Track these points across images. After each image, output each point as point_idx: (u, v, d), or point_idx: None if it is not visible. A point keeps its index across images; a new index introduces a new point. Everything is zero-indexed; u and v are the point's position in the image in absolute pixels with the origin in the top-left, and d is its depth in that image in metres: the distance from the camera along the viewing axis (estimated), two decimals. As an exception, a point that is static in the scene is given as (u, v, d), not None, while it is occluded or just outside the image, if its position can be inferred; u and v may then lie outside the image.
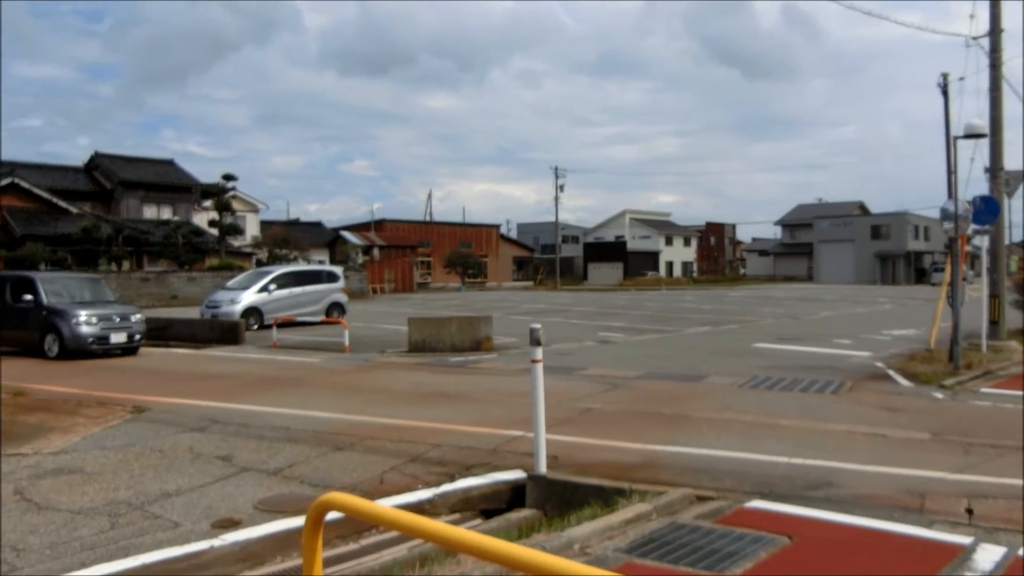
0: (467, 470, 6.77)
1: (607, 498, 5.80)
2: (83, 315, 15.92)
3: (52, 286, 16.75)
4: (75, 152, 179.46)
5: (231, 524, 5.51)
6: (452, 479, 6.51)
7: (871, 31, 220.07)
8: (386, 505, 4.07)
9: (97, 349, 16.00)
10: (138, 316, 17.05)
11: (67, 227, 39.51)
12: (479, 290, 58.96)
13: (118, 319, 16.48)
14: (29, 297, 16.37)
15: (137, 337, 16.68)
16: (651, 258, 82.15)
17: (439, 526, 2.26)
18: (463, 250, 65.36)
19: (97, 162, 48.88)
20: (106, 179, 47.81)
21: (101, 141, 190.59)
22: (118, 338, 16.32)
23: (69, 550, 5.02)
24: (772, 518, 5.32)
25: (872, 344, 17.27)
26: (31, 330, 16.32)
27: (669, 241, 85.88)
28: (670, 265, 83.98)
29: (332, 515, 2.64)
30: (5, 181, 39.95)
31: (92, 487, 6.47)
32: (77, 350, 15.78)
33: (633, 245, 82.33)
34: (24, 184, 40.69)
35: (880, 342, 17.77)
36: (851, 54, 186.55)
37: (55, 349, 15.87)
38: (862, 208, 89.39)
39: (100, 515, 5.72)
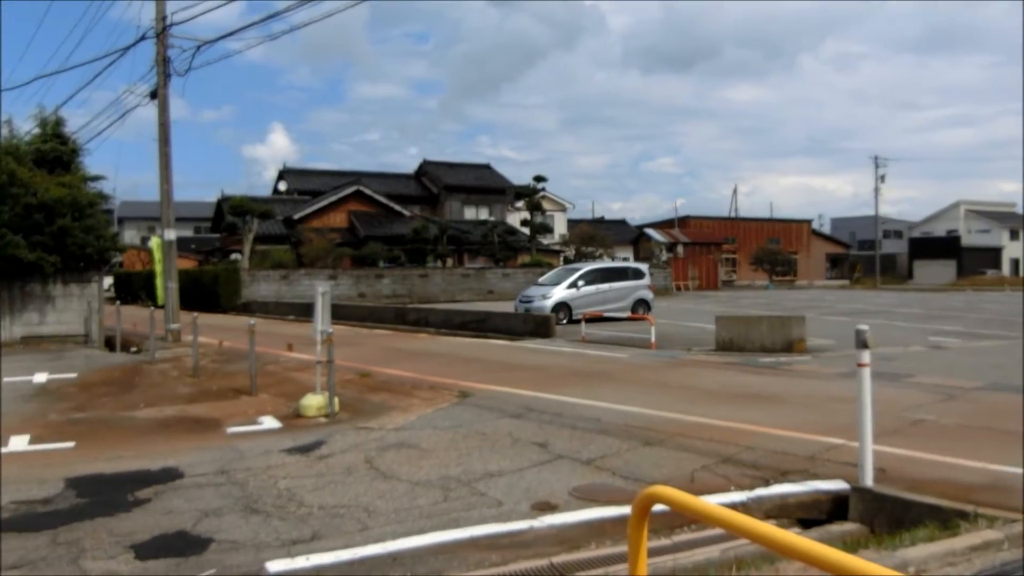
0: (782, 476, 6.48)
1: (945, 520, 5.22)
2: None
3: None
4: (406, 161, 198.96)
5: (548, 508, 5.78)
6: (767, 484, 6.27)
7: None
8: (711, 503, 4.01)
9: None
10: None
11: (400, 228, 44.14)
12: (788, 288, 56.23)
13: None
14: None
15: None
16: (991, 255, 72.76)
17: (773, 530, 2.17)
18: (771, 246, 62.96)
19: (425, 169, 54.14)
20: (432, 184, 52.74)
21: (428, 150, 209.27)
22: None
23: (410, 516, 5.60)
24: None
25: None
26: None
27: (1014, 235, 75.45)
28: (1015, 263, 73.69)
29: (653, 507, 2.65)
30: (352, 189, 45.67)
31: (427, 462, 7.15)
32: None
33: (968, 240, 73.65)
34: (367, 191, 46.25)
35: None
36: None
37: None
38: None
39: (434, 488, 6.31)
